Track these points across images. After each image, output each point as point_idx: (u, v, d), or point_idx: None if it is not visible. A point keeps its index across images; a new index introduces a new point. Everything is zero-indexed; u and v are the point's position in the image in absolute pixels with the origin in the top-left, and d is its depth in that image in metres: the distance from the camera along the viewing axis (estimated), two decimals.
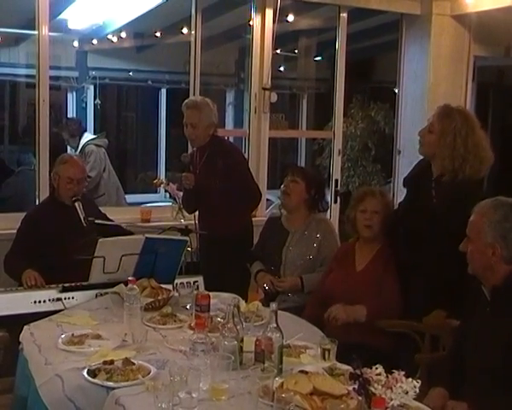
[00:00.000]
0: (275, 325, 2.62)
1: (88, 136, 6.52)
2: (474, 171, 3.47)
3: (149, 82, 9.58)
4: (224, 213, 4.42)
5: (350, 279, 3.79)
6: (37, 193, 4.97)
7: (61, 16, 7.05)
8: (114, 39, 8.41)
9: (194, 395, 2.27)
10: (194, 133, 4.53)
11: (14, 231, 4.29)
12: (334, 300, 3.77)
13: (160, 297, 3.47)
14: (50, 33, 4.89)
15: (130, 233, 4.31)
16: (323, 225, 4.29)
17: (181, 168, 4.60)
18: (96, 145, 6.28)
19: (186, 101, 4.62)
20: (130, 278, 3.19)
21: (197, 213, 4.69)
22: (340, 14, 5.97)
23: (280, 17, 5.62)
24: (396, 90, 6.46)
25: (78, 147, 6.36)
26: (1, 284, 4.18)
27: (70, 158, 4.45)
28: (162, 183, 5.48)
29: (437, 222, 3.45)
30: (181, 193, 5.07)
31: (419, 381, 2.27)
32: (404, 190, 3.98)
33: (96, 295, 3.55)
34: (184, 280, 3.84)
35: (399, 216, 3.85)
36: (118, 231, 4.26)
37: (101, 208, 4.71)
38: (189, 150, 5.24)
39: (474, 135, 3.49)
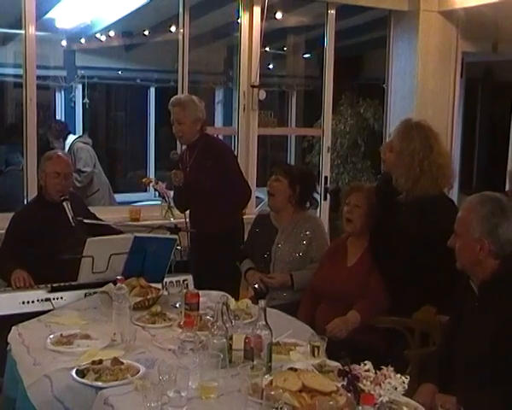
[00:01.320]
0: (264, 323, 2.62)
1: (72, 137, 6.51)
2: (425, 190, 3.54)
3: (138, 81, 9.57)
4: (215, 210, 4.43)
5: (340, 274, 3.80)
6: (25, 193, 4.95)
7: (49, 15, 7.02)
8: (103, 38, 8.39)
9: (183, 394, 2.27)
10: (181, 130, 4.55)
11: (3, 232, 4.27)
12: (325, 295, 3.79)
13: (149, 296, 3.46)
14: (38, 32, 4.87)
15: (120, 232, 4.29)
16: (312, 223, 4.29)
17: (170, 166, 4.60)
18: (83, 143, 6.28)
19: (171, 99, 4.64)
20: (118, 278, 3.18)
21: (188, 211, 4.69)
22: (328, 11, 5.98)
23: (268, 15, 5.62)
24: (385, 87, 6.46)
25: (63, 149, 6.35)
26: None
27: (55, 154, 4.42)
28: (151, 181, 5.49)
29: (407, 235, 3.53)
30: (170, 192, 5.08)
31: (408, 377, 2.28)
32: None
33: (85, 295, 3.54)
34: (174, 279, 3.83)
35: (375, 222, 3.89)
36: (107, 230, 4.24)
37: (92, 207, 4.71)
38: (179, 148, 5.26)
39: (432, 154, 3.58)
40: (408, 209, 3.58)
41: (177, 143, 5.42)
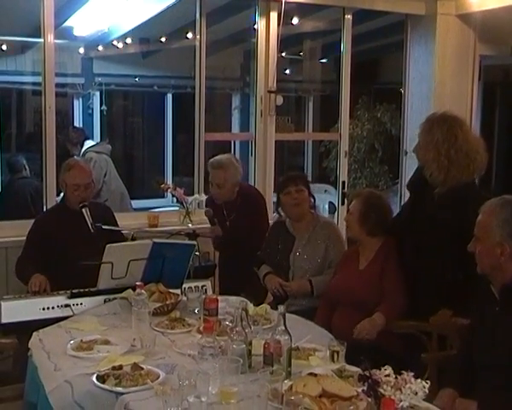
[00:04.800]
0: (283, 328, 2.62)
1: (89, 143, 6.51)
2: (457, 179, 3.53)
3: (155, 87, 9.60)
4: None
5: (353, 279, 3.80)
6: (44, 200, 4.98)
7: (67, 23, 7.07)
8: (120, 45, 8.44)
9: (203, 399, 2.28)
10: (220, 193, 4.62)
11: (14, 239, 4.32)
12: (339, 300, 3.79)
13: (168, 302, 3.48)
14: (56, 41, 4.89)
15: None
16: (329, 229, 4.28)
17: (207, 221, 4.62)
18: (97, 152, 6.26)
19: (211, 160, 4.70)
20: (138, 283, 3.21)
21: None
22: (344, 15, 5.95)
23: (284, 20, 5.60)
24: (402, 91, 6.44)
25: (80, 155, 6.37)
26: (10, 292, 4.22)
27: (75, 163, 4.41)
28: (169, 187, 5.51)
29: (438, 228, 3.49)
30: (188, 197, 5.15)
31: (428, 381, 2.27)
32: None
33: (105, 301, 3.57)
34: (192, 284, 3.85)
35: (404, 218, 3.88)
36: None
37: None
38: (196, 155, 5.42)
39: (457, 142, 3.55)
40: (442, 200, 3.55)
41: (195, 150, 5.48)
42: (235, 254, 4.52)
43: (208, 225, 4.61)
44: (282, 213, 4.38)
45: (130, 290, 3.46)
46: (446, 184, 3.55)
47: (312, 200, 4.32)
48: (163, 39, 8.38)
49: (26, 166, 6.36)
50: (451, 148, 3.53)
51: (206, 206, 4.79)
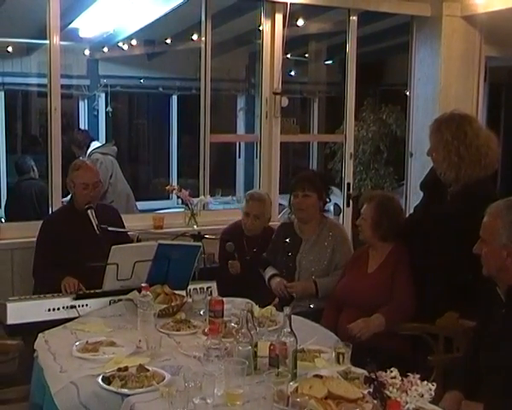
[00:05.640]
0: (289, 330, 2.62)
1: (95, 144, 6.51)
2: (469, 175, 3.52)
3: (160, 89, 9.60)
4: None
5: (361, 281, 3.79)
6: (49, 202, 4.98)
7: (72, 25, 7.09)
8: (125, 47, 8.45)
9: (208, 401, 2.28)
10: (254, 224, 4.67)
11: (24, 240, 4.30)
12: (347, 303, 3.78)
13: (173, 303, 3.48)
14: (62, 42, 4.91)
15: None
16: (336, 231, 4.27)
17: (227, 256, 4.60)
18: (102, 153, 6.26)
19: (251, 192, 4.86)
20: (143, 285, 3.21)
21: None
22: (350, 17, 5.95)
23: (290, 21, 5.61)
24: (407, 93, 6.43)
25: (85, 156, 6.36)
26: (15, 293, 4.23)
27: (82, 163, 4.45)
28: (174, 189, 5.51)
29: (449, 225, 3.47)
30: (193, 199, 5.13)
31: (434, 384, 2.26)
32: (419, 193, 4.00)
33: (110, 303, 3.57)
34: (198, 286, 3.85)
35: (416, 219, 3.87)
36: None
37: None
38: (201, 156, 5.40)
39: (467, 138, 3.55)
40: (454, 198, 3.56)
41: (200, 151, 5.47)
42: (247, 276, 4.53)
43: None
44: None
45: (135, 292, 3.46)
46: (459, 182, 3.55)
47: (322, 204, 4.30)
48: (168, 41, 8.37)
49: (35, 168, 6.37)
50: (461, 145, 3.52)
51: (221, 238, 4.73)
